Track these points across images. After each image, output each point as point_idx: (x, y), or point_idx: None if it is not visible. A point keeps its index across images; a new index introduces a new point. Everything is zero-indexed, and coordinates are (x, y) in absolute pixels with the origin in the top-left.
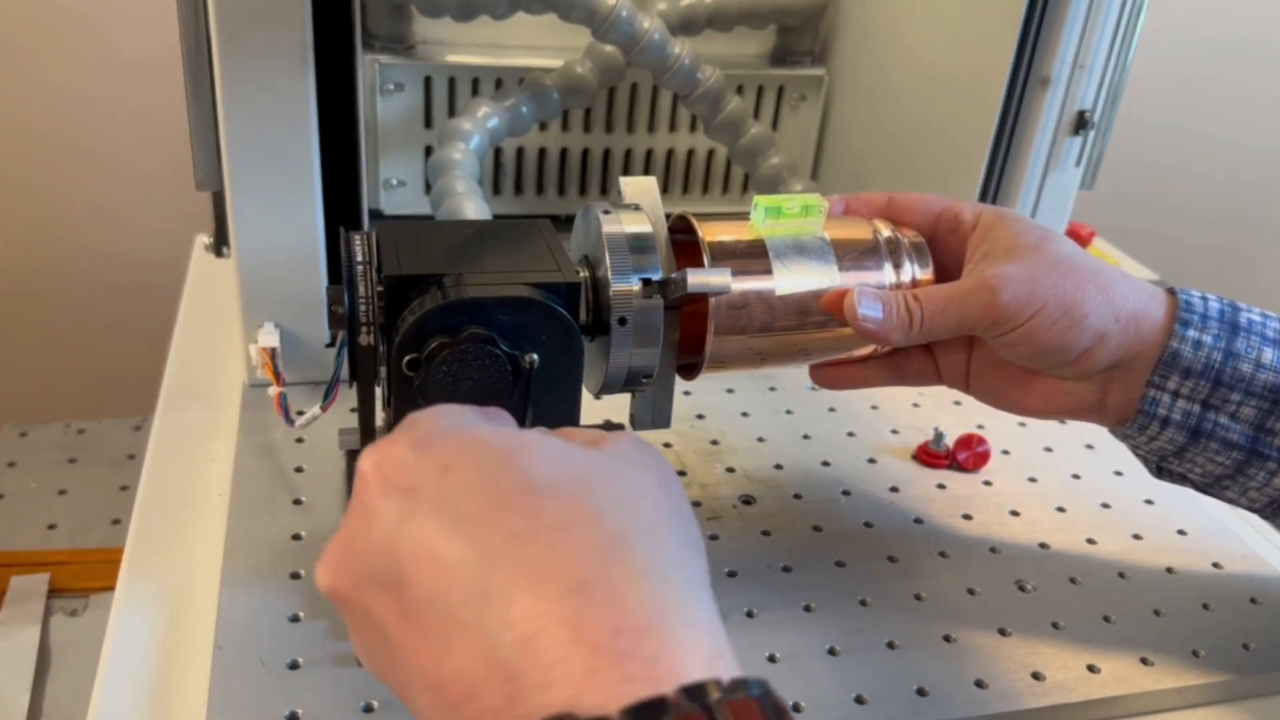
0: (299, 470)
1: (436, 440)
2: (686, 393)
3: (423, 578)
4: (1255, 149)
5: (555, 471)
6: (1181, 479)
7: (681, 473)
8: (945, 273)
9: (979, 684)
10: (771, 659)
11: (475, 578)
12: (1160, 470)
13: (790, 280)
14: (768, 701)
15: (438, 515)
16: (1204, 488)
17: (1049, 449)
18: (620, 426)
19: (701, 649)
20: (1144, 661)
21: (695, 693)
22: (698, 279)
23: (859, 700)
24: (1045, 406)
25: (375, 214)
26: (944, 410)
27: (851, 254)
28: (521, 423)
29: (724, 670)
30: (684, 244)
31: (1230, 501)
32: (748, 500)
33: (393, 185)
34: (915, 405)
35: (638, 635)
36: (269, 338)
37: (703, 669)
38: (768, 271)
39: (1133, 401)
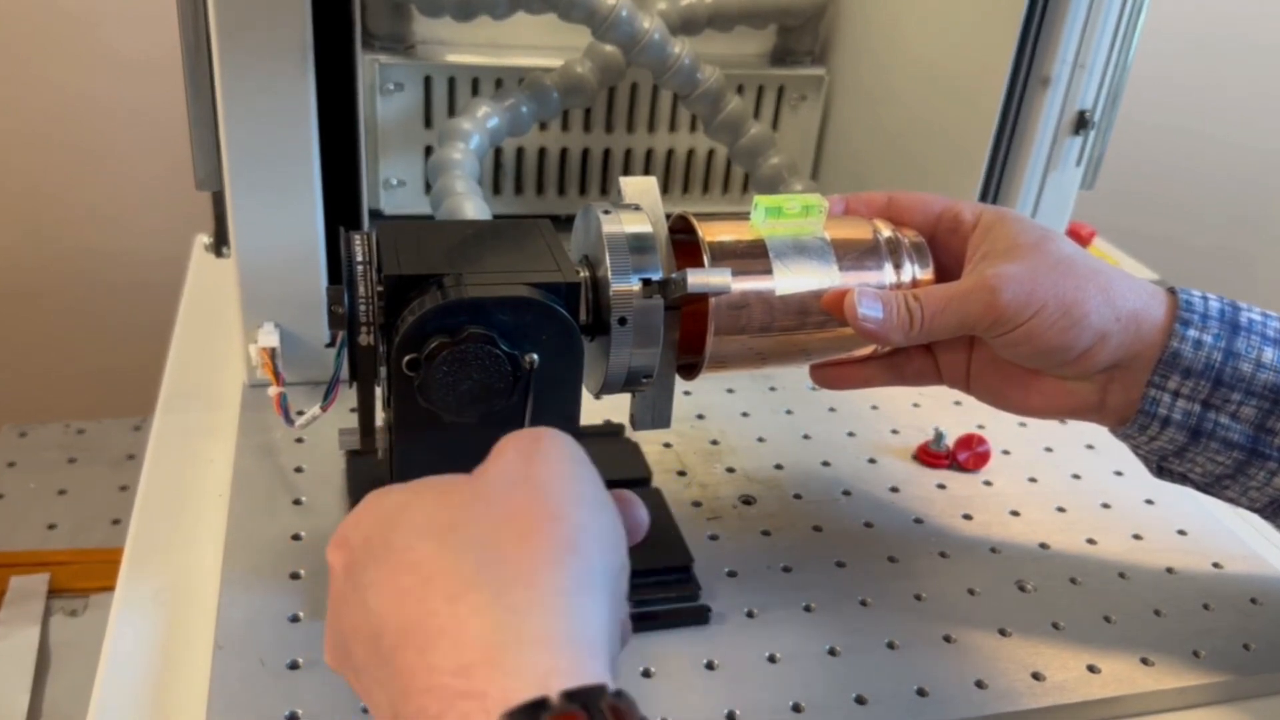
0: (299, 470)
1: (350, 526)
2: (686, 393)
3: (358, 625)
4: (1255, 150)
5: (425, 520)
6: (1182, 479)
7: (681, 473)
8: (946, 273)
9: (979, 684)
10: (771, 659)
11: (372, 649)
12: (1161, 470)
13: (790, 280)
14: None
15: (353, 592)
16: (1204, 487)
17: (1049, 449)
18: (620, 427)
19: (536, 668)
20: (1144, 662)
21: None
22: (698, 279)
23: (859, 700)
24: (1046, 406)
25: (375, 214)
26: (944, 410)
27: (852, 254)
28: (521, 423)
29: (561, 684)
30: (684, 244)
31: (1231, 501)
32: (748, 500)
33: (393, 185)
34: (915, 405)
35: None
36: (269, 338)
37: (533, 690)
38: (768, 271)
39: (1133, 401)
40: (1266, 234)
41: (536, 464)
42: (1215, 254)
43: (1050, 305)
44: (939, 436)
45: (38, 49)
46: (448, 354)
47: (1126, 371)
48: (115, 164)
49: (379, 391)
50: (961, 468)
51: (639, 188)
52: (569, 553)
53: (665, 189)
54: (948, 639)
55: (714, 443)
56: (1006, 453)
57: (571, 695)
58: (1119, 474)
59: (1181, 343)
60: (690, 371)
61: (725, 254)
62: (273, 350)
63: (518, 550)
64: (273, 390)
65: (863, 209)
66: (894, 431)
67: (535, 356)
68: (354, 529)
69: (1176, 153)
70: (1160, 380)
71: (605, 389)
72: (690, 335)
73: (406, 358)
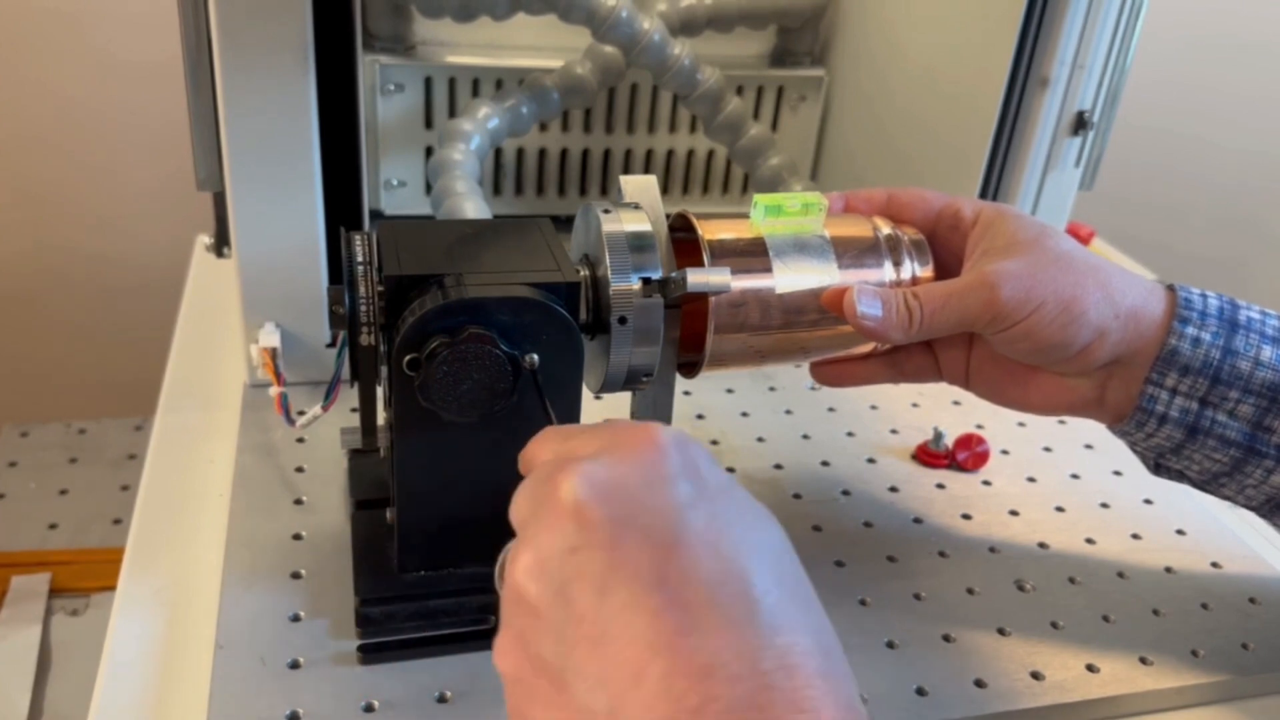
0: (300, 470)
1: (521, 573)
2: (686, 393)
3: (700, 557)
4: (1251, 154)
5: (631, 593)
6: (1179, 476)
7: None
8: (946, 269)
9: (978, 684)
10: None
11: (751, 585)
12: (1158, 467)
13: (790, 278)
14: None
15: (722, 520)
16: (1201, 485)
17: (1048, 449)
18: None
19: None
20: (1143, 661)
21: None
22: (697, 278)
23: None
24: (1045, 403)
25: (376, 214)
26: (943, 410)
27: (851, 252)
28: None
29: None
30: (684, 242)
31: (1228, 499)
32: None
33: (393, 185)
34: (915, 405)
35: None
36: (270, 338)
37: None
38: (768, 270)
39: (1132, 398)
40: (1261, 239)
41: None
42: (1210, 259)
43: (1049, 302)
44: (938, 436)
45: (37, 53)
46: (448, 354)
47: (1125, 368)
48: (116, 167)
49: (380, 391)
50: (961, 467)
51: (639, 186)
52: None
53: (665, 189)
54: (947, 638)
55: (714, 443)
56: (1006, 452)
57: None
58: (1118, 474)
59: (1180, 340)
60: (691, 370)
61: (725, 252)
62: (274, 350)
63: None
64: (274, 390)
65: (862, 206)
66: (893, 431)
67: (535, 356)
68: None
69: (1171, 157)
70: (1158, 377)
71: (605, 388)
72: (690, 334)
73: (407, 358)
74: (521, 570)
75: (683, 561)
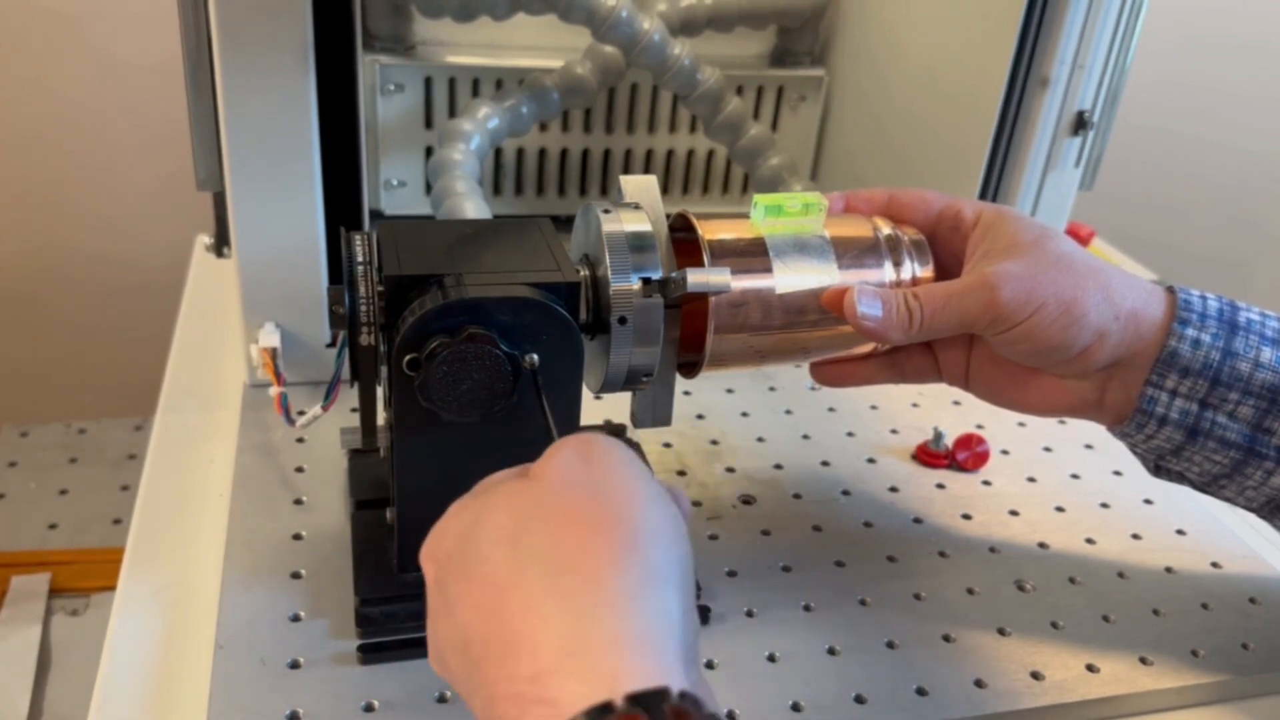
0: (299, 470)
1: (434, 540)
2: (686, 393)
3: (448, 635)
4: (1251, 154)
5: (494, 536)
6: (1179, 477)
7: (681, 473)
8: (946, 271)
9: (978, 683)
10: (771, 659)
11: (463, 657)
12: (1158, 469)
13: (790, 278)
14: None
15: (442, 606)
16: (1202, 486)
17: (1048, 449)
18: (621, 426)
19: (613, 676)
20: (1143, 661)
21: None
22: (697, 278)
23: (859, 700)
24: (1045, 404)
25: (376, 214)
26: (943, 410)
27: (851, 252)
28: (523, 423)
29: (624, 687)
30: (684, 242)
31: (1228, 500)
32: (748, 500)
33: (393, 185)
34: (915, 405)
35: (547, 682)
36: (269, 338)
37: (600, 695)
38: (768, 270)
39: (1132, 399)
40: (1261, 237)
41: (593, 466)
42: (1209, 259)
43: (1049, 303)
44: (938, 436)
45: (37, 53)
46: (448, 354)
47: (1125, 370)
48: (116, 167)
49: (380, 391)
50: (961, 467)
51: (639, 186)
52: (632, 551)
53: (665, 189)
54: (947, 638)
55: (714, 443)
56: (1005, 452)
57: (635, 698)
58: (1118, 474)
59: (1180, 342)
60: (691, 370)
61: (725, 252)
62: (273, 350)
63: (581, 554)
64: (273, 390)
65: (863, 206)
66: (893, 431)
67: (535, 356)
68: (438, 543)
69: (1171, 157)
70: (1158, 379)
71: (605, 388)
72: (690, 333)
73: (407, 358)
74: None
75: (439, 644)
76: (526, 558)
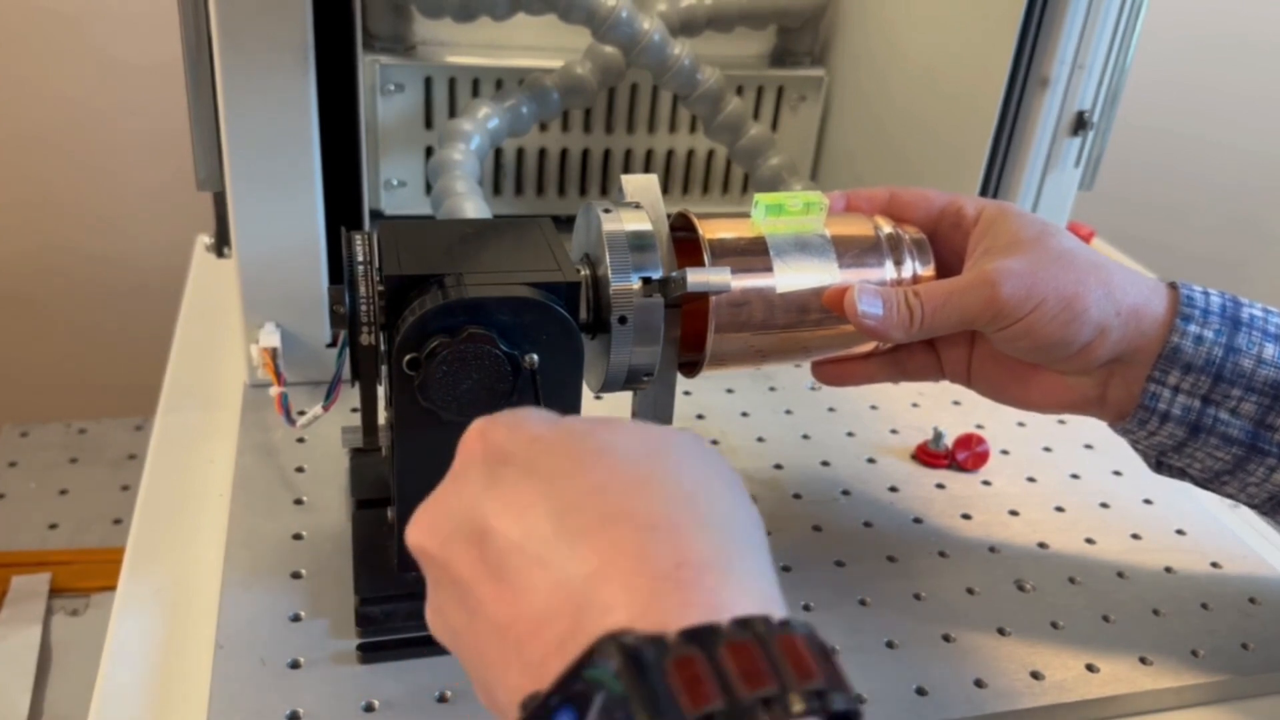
0: (300, 470)
1: (531, 421)
2: (686, 393)
3: (506, 527)
4: (1252, 154)
5: (634, 441)
6: (1181, 474)
7: None
8: (948, 268)
9: (978, 683)
10: None
11: (555, 522)
12: (1160, 465)
13: (791, 278)
14: (814, 640)
15: (526, 475)
16: (1204, 483)
17: (1048, 449)
18: None
19: (756, 592)
20: (1143, 661)
21: (747, 624)
22: (697, 278)
23: (858, 699)
24: (1047, 401)
25: (376, 214)
26: (943, 410)
27: (852, 251)
28: None
29: (775, 612)
30: (685, 241)
31: (1230, 497)
32: None
33: (393, 186)
34: (915, 405)
35: (699, 571)
36: (270, 338)
37: (756, 607)
38: (768, 269)
39: (1134, 396)
40: (1261, 237)
41: (717, 454)
42: (1210, 257)
43: (1050, 299)
44: (938, 436)
45: (38, 54)
46: (447, 354)
47: (1127, 366)
48: (116, 168)
49: (381, 390)
50: (961, 467)
51: (640, 185)
52: (757, 524)
53: (665, 189)
54: (947, 638)
55: (714, 442)
56: (1005, 452)
57: (783, 623)
58: (1118, 473)
59: (1182, 338)
60: (691, 369)
61: (726, 251)
62: (274, 350)
63: (730, 495)
64: (274, 390)
65: (864, 205)
66: (893, 431)
67: (535, 356)
68: (525, 420)
69: (1172, 156)
70: (1160, 375)
71: (606, 387)
72: (691, 333)
73: (407, 357)
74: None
75: (496, 542)
76: (687, 474)
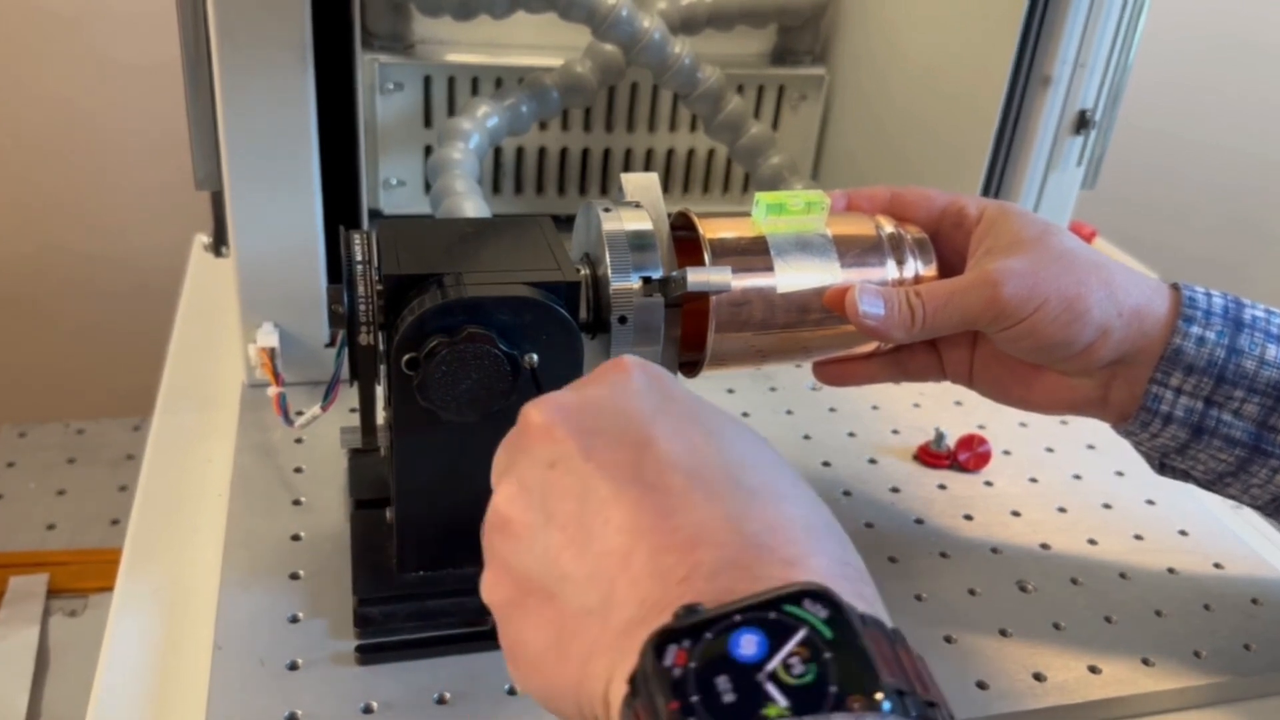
0: (298, 470)
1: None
2: None
3: (675, 449)
4: (1253, 156)
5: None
6: (1184, 476)
7: None
8: (950, 268)
9: (980, 685)
10: None
11: (728, 471)
12: (1163, 467)
13: (792, 277)
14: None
15: (691, 419)
16: (1207, 485)
17: (1050, 449)
18: None
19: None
20: (1145, 662)
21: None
22: (698, 278)
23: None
24: (1049, 402)
25: (374, 213)
26: (945, 410)
27: (854, 250)
28: None
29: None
30: (685, 241)
31: (1233, 498)
32: None
33: (392, 185)
34: (916, 405)
35: (859, 575)
36: (268, 338)
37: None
38: (769, 268)
39: (1136, 397)
40: (1262, 239)
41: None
42: (1211, 258)
43: (1052, 300)
44: (940, 437)
45: (36, 55)
46: (446, 353)
47: (1129, 367)
48: (114, 169)
49: (380, 390)
50: (962, 468)
51: (640, 185)
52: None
53: (665, 189)
54: (948, 639)
55: None
56: (1007, 453)
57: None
58: (1120, 474)
59: (1184, 339)
60: (692, 369)
61: (726, 251)
62: (272, 350)
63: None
64: (272, 390)
65: (865, 204)
66: (894, 432)
67: (535, 356)
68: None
69: (1174, 157)
70: (1163, 376)
71: None
72: (691, 333)
73: (405, 357)
74: (503, 499)
75: (658, 454)
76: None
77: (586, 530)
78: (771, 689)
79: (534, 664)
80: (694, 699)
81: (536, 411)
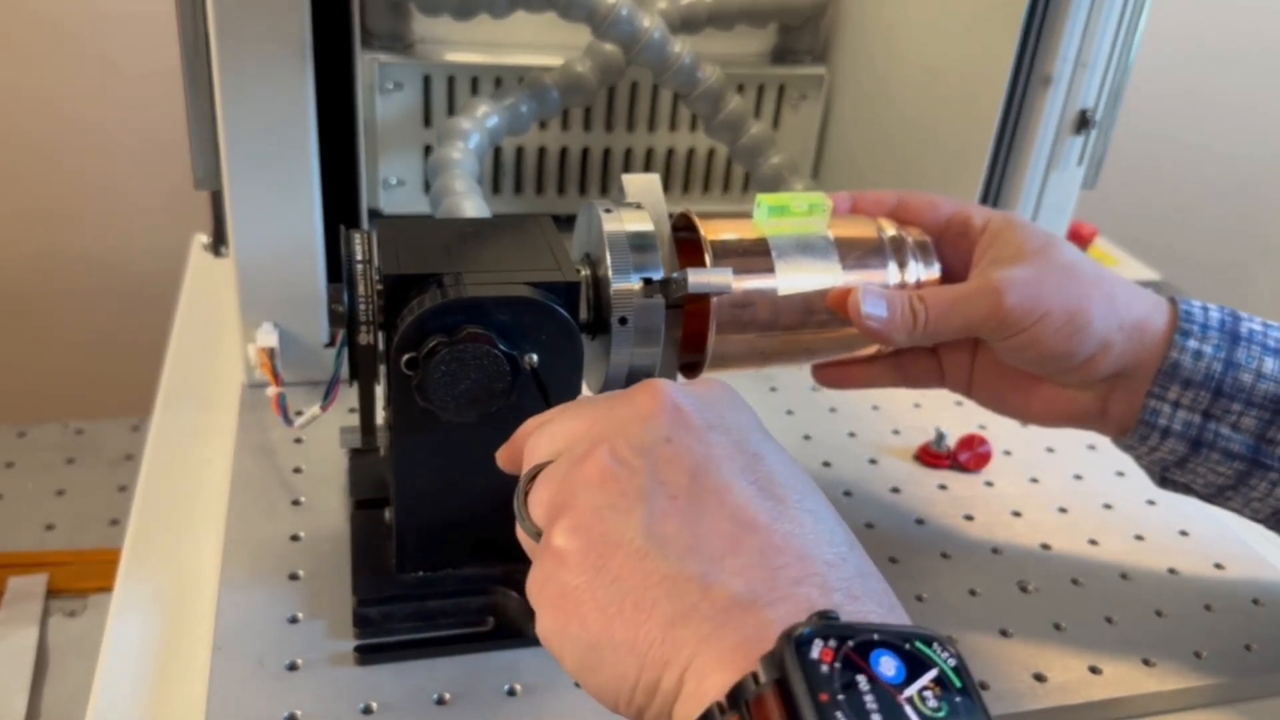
0: (298, 471)
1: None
2: None
3: (779, 467)
4: (1252, 160)
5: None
6: (1185, 489)
7: None
8: (953, 277)
9: (981, 685)
10: None
11: (816, 500)
12: (1164, 480)
13: (793, 279)
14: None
15: (781, 458)
16: (1208, 498)
17: (1051, 449)
18: None
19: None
20: (1146, 663)
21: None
22: (698, 279)
23: None
24: (1048, 413)
25: (374, 213)
26: (946, 411)
27: (856, 253)
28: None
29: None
30: (686, 241)
31: (1235, 512)
32: None
33: (392, 184)
34: (917, 406)
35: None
36: (267, 337)
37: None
38: (770, 270)
39: (1135, 411)
40: (1262, 241)
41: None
42: (1211, 262)
43: (1055, 311)
44: (940, 437)
45: (35, 59)
46: (446, 353)
47: (1129, 381)
48: (113, 170)
49: (380, 390)
50: (963, 468)
51: (641, 185)
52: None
53: (666, 188)
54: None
55: None
56: (1008, 453)
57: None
58: (1120, 474)
59: (1181, 353)
60: (692, 370)
61: (727, 252)
62: (271, 350)
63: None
64: (271, 390)
65: (871, 208)
66: (895, 432)
67: (534, 356)
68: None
69: (1173, 161)
70: (1160, 390)
71: (606, 388)
72: (692, 334)
73: (405, 357)
74: (607, 456)
75: (767, 467)
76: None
77: (698, 505)
78: (910, 712)
79: (598, 610)
80: (840, 697)
81: (664, 389)
